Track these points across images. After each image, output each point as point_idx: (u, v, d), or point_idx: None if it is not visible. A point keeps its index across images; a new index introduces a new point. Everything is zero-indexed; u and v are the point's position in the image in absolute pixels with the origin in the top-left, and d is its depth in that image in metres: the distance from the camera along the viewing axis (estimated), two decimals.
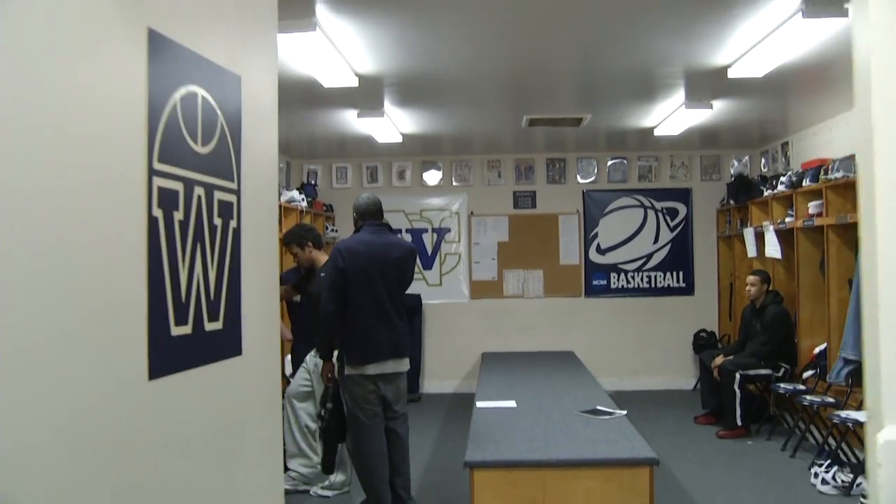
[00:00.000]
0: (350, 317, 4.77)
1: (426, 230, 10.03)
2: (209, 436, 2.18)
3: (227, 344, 2.27)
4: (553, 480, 4.51)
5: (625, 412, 5.61)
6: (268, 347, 2.63)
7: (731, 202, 9.01)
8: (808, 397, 6.37)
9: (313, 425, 5.72)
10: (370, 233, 5.01)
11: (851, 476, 5.41)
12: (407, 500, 5.12)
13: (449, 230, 10.02)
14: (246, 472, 2.45)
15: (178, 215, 1.97)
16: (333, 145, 9.35)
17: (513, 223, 9.93)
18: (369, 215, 5.11)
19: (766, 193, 8.01)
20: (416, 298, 9.54)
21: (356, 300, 4.78)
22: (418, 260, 9.84)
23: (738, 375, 7.05)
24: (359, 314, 4.78)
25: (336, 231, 9.88)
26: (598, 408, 5.78)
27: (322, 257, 5.72)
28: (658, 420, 7.92)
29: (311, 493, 5.73)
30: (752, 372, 7.14)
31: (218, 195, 2.20)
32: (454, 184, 10.01)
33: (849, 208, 6.49)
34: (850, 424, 5.57)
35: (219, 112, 2.22)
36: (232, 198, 2.30)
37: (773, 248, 7.66)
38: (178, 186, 1.98)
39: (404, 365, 5.02)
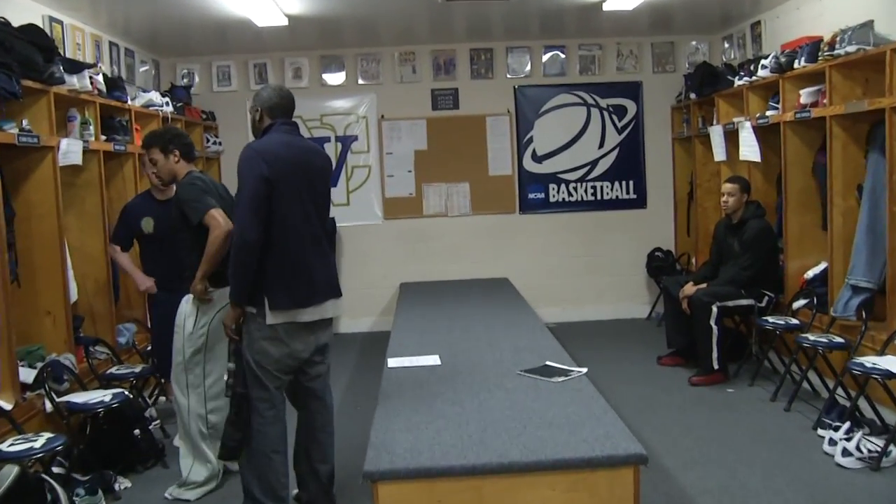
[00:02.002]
0: (275, 244, 3.55)
1: (328, 139, 8.33)
2: None
3: None
4: (494, 492, 3.07)
5: (584, 370, 4.20)
6: None
7: (692, 96, 7.53)
8: (811, 337, 5.02)
9: (205, 411, 4.23)
10: (287, 134, 3.71)
11: (881, 443, 4.11)
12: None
13: (356, 138, 8.34)
14: None
15: None
16: (211, 38, 7.54)
17: (432, 128, 8.30)
18: (280, 112, 3.75)
19: (738, 83, 6.53)
20: (332, 222, 7.92)
21: (284, 222, 3.57)
22: None
23: (714, 308, 5.68)
24: (289, 240, 3.58)
25: (220, 144, 8.13)
26: (549, 364, 4.38)
27: (187, 170, 4.21)
28: (612, 362, 6.56)
29: (167, 494, 4.20)
30: (730, 303, 5.78)
31: None
32: (360, 82, 8.29)
33: (858, 93, 5.06)
34: (878, 377, 4.23)
35: None
36: None
37: (749, 150, 6.23)
38: None
39: (341, 306, 3.86)
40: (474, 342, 5.14)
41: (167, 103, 6.73)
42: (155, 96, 6.49)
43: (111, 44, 6.78)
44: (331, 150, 8.31)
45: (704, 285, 5.93)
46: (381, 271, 8.39)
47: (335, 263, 3.96)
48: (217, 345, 4.11)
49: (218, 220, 3.89)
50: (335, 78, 8.27)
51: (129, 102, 6.07)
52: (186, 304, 4.17)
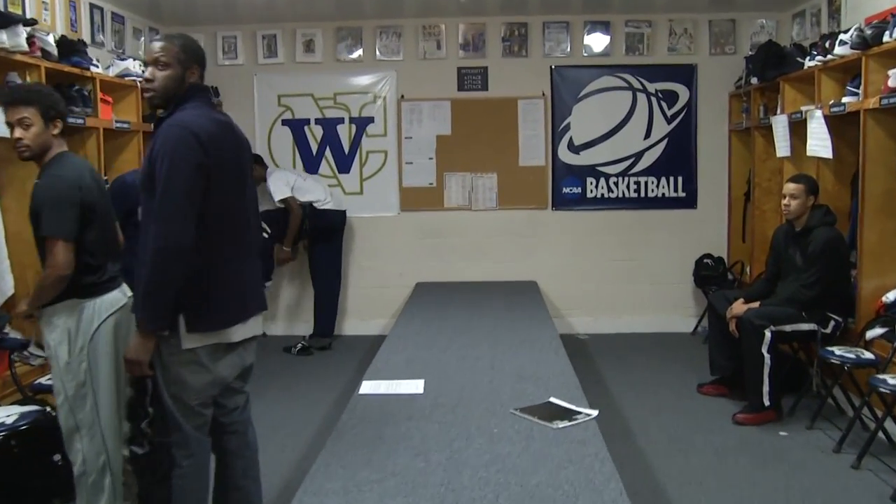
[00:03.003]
0: (204, 250, 2.78)
1: (342, 120, 7.51)
2: None
3: None
4: None
5: (594, 413, 3.32)
6: None
7: (753, 81, 6.52)
8: (890, 380, 4.02)
9: (107, 457, 3.30)
10: (209, 107, 3.03)
11: None
12: None
13: (372, 120, 7.50)
14: None
15: None
16: (218, 4, 6.84)
17: (457, 111, 7.42)
18: (201, 77, 3.04)
19: (808, 64, 5.52)
20: (342, 215, 7.14)
21: (220, 222, 2.85)
22: (332, 161, 7.44)
23: (768, 333, 4.71)
24: (224, 245, 2.87)
25: None
26: (553, 401, 3.52)
27: (60, 149, 3.29)
28: (645, 385, 5.67)
29: None
30: (788, 327, 4.80)
31: None
32: (379, 58, 7.44)
33: None
34: None
35: None
36: None
37: (819, 144, 5.23)
38: None
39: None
40: (473, 363, 4.31)
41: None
42: (132, 65, 5.73)
43: (93, 6, 6.04)
44: (344, 132, 7.51)
45: (757, 304, 4.95)
46: (396, 269, 7.56)
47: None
48: (101, 370, 3.24)
49: (58, 258, 3.07)
50: (351, 53, 7.43)
51: (96, 70, 5.31)
52: (51, 333, 3.22)
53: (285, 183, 6.85)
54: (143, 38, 6.91)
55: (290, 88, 7.48)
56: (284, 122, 7.53)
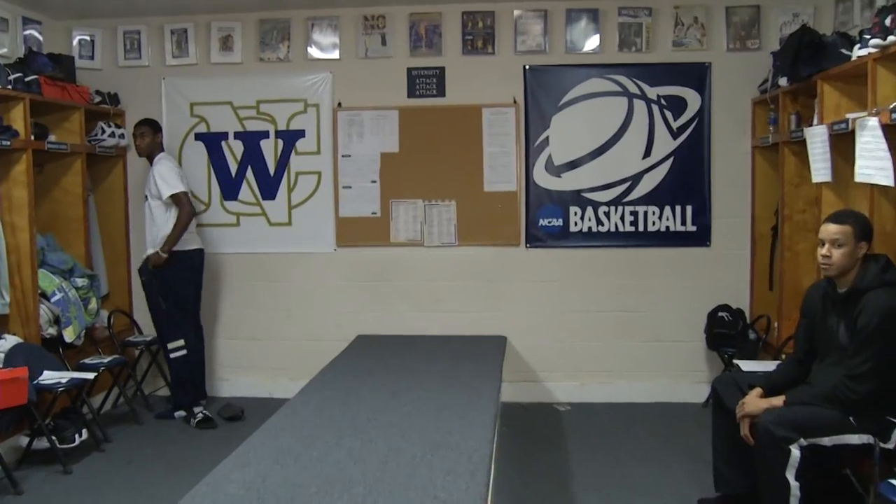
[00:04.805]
0: None
1: (266, 134, 6.06)
2: None
3: None
4: None
5: None
6: None
7: (782, 82, 4.93)
8: None
9: None
10: None
11: None
12: None
13: (303, 134, 6.04)
14: None
15: None
16: None
17: (406, 122, 5.92)
18: None
19: (857, 54, 3.95)
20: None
21: None
22: (255, 185, 5.99)
23: (796, 451, 3.13)
24: None
25: (122, 137, 5.93)
26: None
27: None
28: (629, 489, 4.12)
29: None
30: (827, 440, 3.20)
31: None
32: (311, 56, 5.98)
33: None
34: None
35: None
36: None
37: (874, 165, 3.63)
38: None
39: None
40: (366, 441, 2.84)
41: None
42: None
43: None
44: (269, 148, 6.05)
45: (781, 400, 3.36)
46: (331, 318, 6.07)
47: None
48: None
49: None
50: (277, 50, 5.98)
51: None
52: None
53: (178, 175, 5.43)
54: (16, 31, 5.54)
55: (205, 95, 6.05)
56: (198, 137, 6.10)
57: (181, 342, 5.48)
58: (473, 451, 3.19)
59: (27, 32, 5.69)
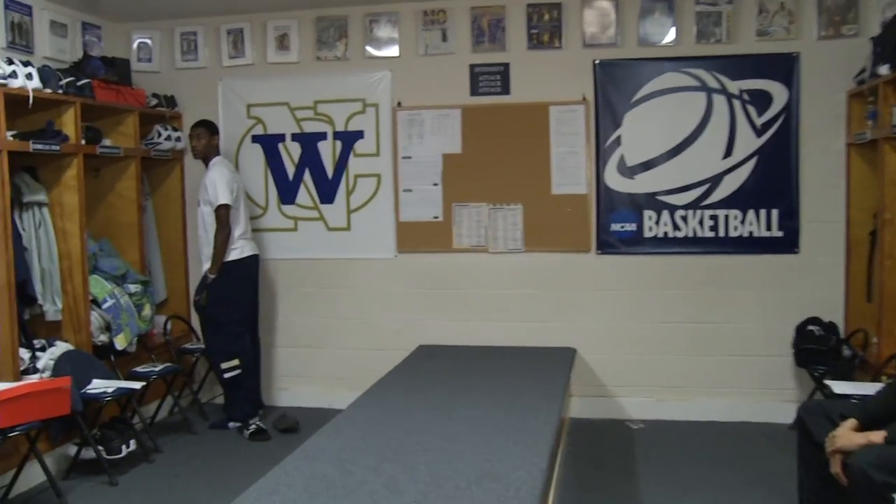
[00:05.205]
0: None
1: (324, 136, 5.85)
2: None
3: None
4: None
5: None
6: None
7: (882, 70, 4.45)
8: None
9: None
10: None
11: None
12: None
13: (361, 135, 5.80)
14: None
15: None
16: None
17: (469, 121, 5.63)
18: None
19: None
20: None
21: None
22: (312, 188, 5.79)
23: None
24: None
25: (179, 140, 5.81)
26: None
27: None
28: None
29: None
30: None
31: None
32: (369, 54, 5.74)
33: None
34: None
35: None
36: None
37: None
38: None
39: None
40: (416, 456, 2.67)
41: (30, 76, 4.46)
42: None
43: None
44: (326, 151, 5.84)
45: (881, 436, 2.92)
46: (392, 327, 5.82)
47: None
48: None
49: None
50: (334, 49, 5.76)
51: None
52: None
53: (227, 184, 5.21)
54: (75, 36, 5.48)
55: (262, 96, 5.88)
56: (255, 139, 5.93)
57: (235, 361, 5.27)
58: (522, 484, 2.86)
59: (87, 37, 5.62)
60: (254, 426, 5.29)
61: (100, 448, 4.53)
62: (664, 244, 5.44)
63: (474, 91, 5.60)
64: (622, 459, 4.79)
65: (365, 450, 3.38)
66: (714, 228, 5.37)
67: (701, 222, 5.38)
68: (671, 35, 5.33)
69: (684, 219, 5.40)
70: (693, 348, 5.45)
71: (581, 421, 5.46)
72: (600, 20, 5.40)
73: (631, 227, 5.47)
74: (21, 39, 5.02)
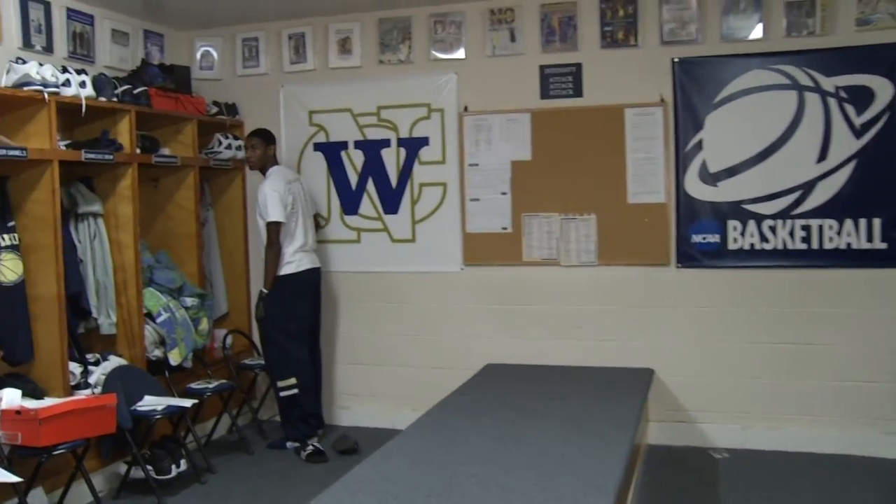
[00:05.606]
0: None
1: (387, 143, 5.61)
2: None
3: None
4: None
5: None
6: None
7: None
8: None
9: None
10: None
11: None
12: None
13: (426, 141, 5.54)
14: None
15: None
16: None
17: (540, 127, 5.30)
18: None
19: None
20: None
21: None
22: (376, 198, 5.56)
23: None
24: None
25: (240, 149, 5.68)
26: None
27: None
28: None
29: None
30: None
31: None
32: (434, 56, 5.48)
33: None
34: None
35: None
36: None
37: None
38: None
39: None
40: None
41: (83, 84, 4.36)
42: (36, 69, 4.10)
43: None
44: (390, 159, 5.60)
45: None
46: (458, 344, 5.53)
47: None
48: None
49: None
50: (397, 52, 5.52)
51: None
52: None
53: (280, 199, 4.99)
54: (137, 45, 5.41)
55: (324, 102, 5.69)
56: (317, 147, 5.75)
57: (292, 380, 5.05)
58: None
59: (149, 46, 5.55)
60: (311, 447, 5.06)
61: (149, 468, 4.37)
62: (750, 257, 4.99)
63: (544, 94, 5.27)
64: (704, 492, 4.39)
65: (412, 482, 3.11)
66: (806, 240, 4.89)
67: (791, 233, 4.91)
68: (758, 29, 4.89)
69: (773, 229, 4.94)
70: (783, 371, 4.97)
71: (659, 448, 5.06)
72: (680, 15, 4.99)
73: (714, 238, 5.04)
74: (82, 49, 4.97)
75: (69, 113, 4.50)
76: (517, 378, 4.99)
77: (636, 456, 4.32)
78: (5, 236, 4.11)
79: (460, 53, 5.41)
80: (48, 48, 4.68)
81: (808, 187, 4.86)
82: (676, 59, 5.04)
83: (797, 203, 4.88)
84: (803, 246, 4.89)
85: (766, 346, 5.00)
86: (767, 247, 4.95)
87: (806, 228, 4.88)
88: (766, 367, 5.00)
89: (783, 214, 4.91)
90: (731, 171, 4.98)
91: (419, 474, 3.20)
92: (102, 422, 4.01)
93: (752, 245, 4.98)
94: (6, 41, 4.41)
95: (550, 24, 5.22)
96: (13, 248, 4.13)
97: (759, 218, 4.95)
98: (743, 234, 4.99)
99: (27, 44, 4.53)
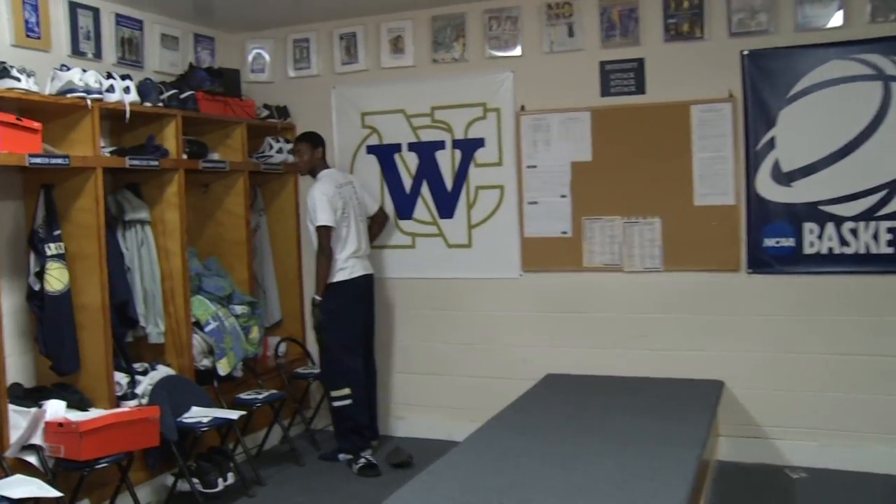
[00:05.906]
0: None
1: (441, 144, 5.42)
2: None
3: None
4: None
5: None
6: None
7: None
8: None
9: None
10: None
11: None
12: None
13: (482, 143, 5.33)
14: None
15: None
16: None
17: (600, 126, 5.04)
18: None
19: None
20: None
21: None
22: (430, 202, 5.39)
23: None
24: None
25: (290, 152, 5.57)
26: None
27: None
28: None
29: None
30: None
31: None
32: (489, 54, 5.27)
33: None
34: None
35: None
36: None
37: None
38: None
39: None
40: None
41: (127, 89, 4.28)
42: (79, 75, 4.03)
43: (76, 5, 4.51)
44: (445, 161, 5.42)
45: None
46: (517, 353, 5.31)
47: None
48: None
49: None
50: (451, 50, 5.33)
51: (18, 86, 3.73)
52: None
53: (329, 202, 4.85)
54: (187, 48, 5.34)
55: (376, 104, 5.53)
56: (370, 150, 5.59)
57: (346, 391, 4.90)
58: None
59: (199, 50, 5.47)
60: (364, 460, 4.91)
61: (195, 481, 4.27)
62: (829, 262, 4.63)
63: (605, 91, 5.01)
64: None
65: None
66: (893, 243, 4.51)
67: (876, 236, 4.54)
68: (838, 16, 4.54)
69: (854, 232, 4.58)
70: (867, 385, 4.61)
71: (729, 465, 4.75)
72: (749, 4, 4.67)
73: (788, 242, 4.71)
74: (131, 55, 4.91)
75: (115, 119, 4.43)
76: (578, 390, 4.76)
77: (704, 474, 4.04)
78: (52, 245, 4.06)
79: (516, 50, 5.18)
80: (97, 55, 4.64)
81: (894, 187, 4.48)
82: (746, 52, 4.71)
83: (882, 203, 4.50)
84: (889, 250, 4.51)
85: (846, 358, 4.63)
86: (848, 251, 4.59)
87: (892, 231, 4.49)
88: (845, 380, 4.64)
89: (866, 216, 4.54)
90: (807, 171, 4.64)
91: (467, 499, 3.00)
92: (145, 435, 3.92)
93: (830, 249, 4.63)
94: (55, 48, 4.37)
95: (610, 18, 4.95)
96: (59, 257, 4.07)
97: (839, 220, 4.60)
98: (820, 237, 4.64)
99: (76, 51, 4.49)
